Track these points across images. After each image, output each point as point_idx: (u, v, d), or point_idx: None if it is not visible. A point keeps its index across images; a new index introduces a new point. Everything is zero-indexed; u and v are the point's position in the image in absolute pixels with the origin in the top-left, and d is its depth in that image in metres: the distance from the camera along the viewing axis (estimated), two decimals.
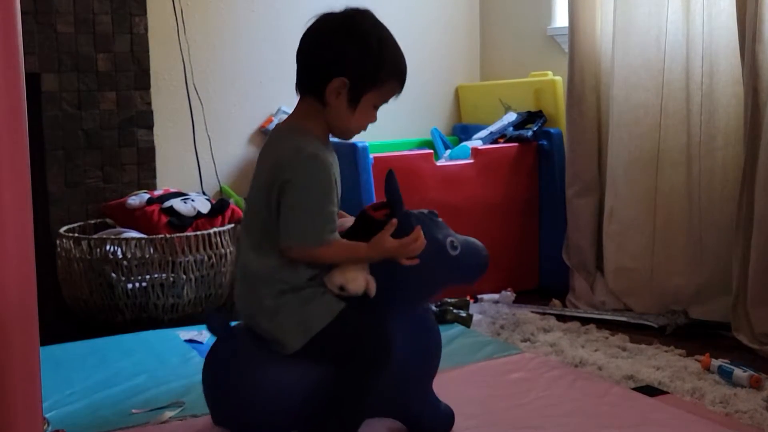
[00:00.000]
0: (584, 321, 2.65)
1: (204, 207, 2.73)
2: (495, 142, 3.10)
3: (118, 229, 2.70)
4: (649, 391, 1.94)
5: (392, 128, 3.37)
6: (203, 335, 2.30)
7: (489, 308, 2.79)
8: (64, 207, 2.82)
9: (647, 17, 2.65)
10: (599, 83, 2.87)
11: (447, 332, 2.31)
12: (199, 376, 1.94)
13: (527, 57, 3.43)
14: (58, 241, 2.65)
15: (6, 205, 1.16)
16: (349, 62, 1.50)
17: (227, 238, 2.69)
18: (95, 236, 2.60)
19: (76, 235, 2.64)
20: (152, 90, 2.94)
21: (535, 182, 3.10)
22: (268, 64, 3.20)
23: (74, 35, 2.78)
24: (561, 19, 3.28)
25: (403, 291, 1.55)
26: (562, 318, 2.69)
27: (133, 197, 2.73)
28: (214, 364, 1.57)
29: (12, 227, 1.16)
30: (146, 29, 2.90)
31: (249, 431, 1.55)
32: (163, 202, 2.70)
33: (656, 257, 2.71)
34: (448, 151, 3.19)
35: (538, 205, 3.12)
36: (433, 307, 2.45)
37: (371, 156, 2.77)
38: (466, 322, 2.47)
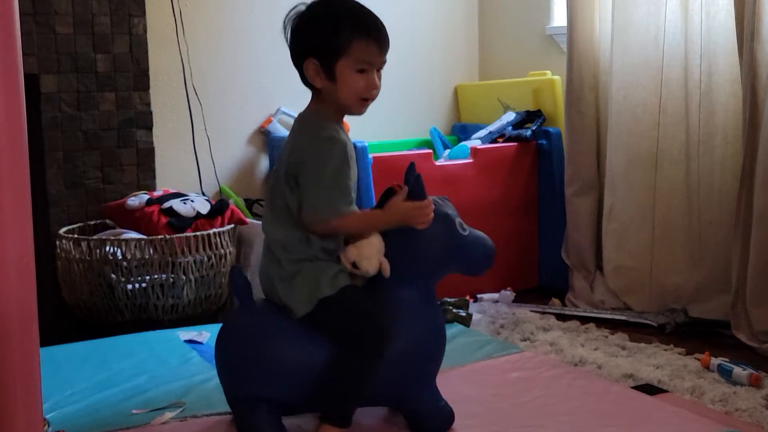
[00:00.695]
0: (584, 320, 2.65)
1: (203, 208, 2.73)
2: (494, 141, 3.10)
3: (118, 230, 2.70)
4: (649, 389, 1.94)
5: (391, 128, 3.38)
6: (203, 335, 2.30)
7: (488, 307, 2.79)
8: (64, 208, 2.82)
9: (646, 16, 2.65)
10: (598, 82, 2.88)
11: (447, 332, 2.31)
12: (199, 377, 1.96)
13: (526, 56, 3.43)
14: (57, 242, 2.65)
15: (6, 207, 1.16)
16: (309, 42, 1.58)
17: (227, 238, 2.69)
18: (95, 237, 2.60)
19: (76, 236, 2.64)
20: (151, 91, 2.93)
21: (534, 181, 3.10)
22: (268, 65, 3.20)
23: (73, 36, 2.78)
24: (560, 18, 3.28)
25: (414, 262, 1.58)
26: (561, 317, 2.70)
27: (133, 198, 2.73)
28: (231, 331, 1.62)
29: (12, 228, 1.17)
30: (145, 30, 2.89)
31: (256, 406, 1.57)
32: (162, 203, 2.70)
33: (655, 256, 2.71)
34: (447, 151, 3.19)
35: (537, 205, 3.13)
36: None
37: (370, 156, 2.78)
38: (466, 321, 2.47)
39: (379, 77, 1.61)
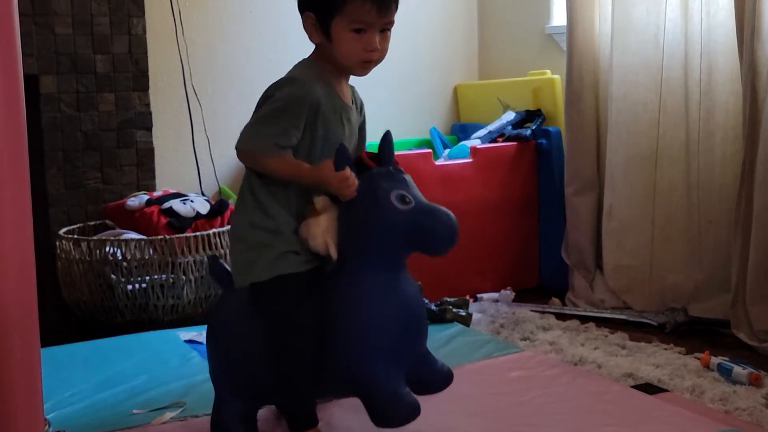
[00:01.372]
0: (583, 319, 2.65)
1: (203, 208, 2.73)
2: (494, 141, 3.10)
3: (118, 230, 2.70)
4: (649, 388, 1.94)
5: (391, 128, 3.35)
6: (203, 336, 2.30)
7: (488, 307, 2.79)
8: (64, 209, 2.82)
9: (645, 15, 2.65)
10: (598, 81, 2.87)
11: (446, 331, 2.31)
12: (200, 376, 1.96)
13: (525, 56, 3.43)
14: (57, 243, 2.65)
15: (5, 207, 1.16)
16: None
17: (226, 238, 2.69)
18: (95, 238, 2.61)
19: (76, 236, 2.64)
20: (151, 91, 2.93)
21: (534, 181, 3.10)
22: (267, 65, 3.20)
23: (72, 37, 2.78)
24: (559, 17, 3.28)
25: (354, 242, 1.49)
26: (561, 316, 2.70)
27: (133, 198, 2.73)
28: (210, 319, 1.63)
29: (12, 229, 1.17)
30: (144, 30, 2.89)
31: (232, 390, 1.58)
32: (162, 203, 2.70)
33: (655, 255, 2.71)
34: (447, 151, 3.19)
35: (537, 204, 3.12)
36: (433, 307, 2.45)
37: None
38: (466, 321, 2.47)
39: (386, 39, 1.52)
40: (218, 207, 2.76)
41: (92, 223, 2.83)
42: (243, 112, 3.19)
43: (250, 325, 1.54)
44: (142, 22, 2.89)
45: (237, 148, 1.51)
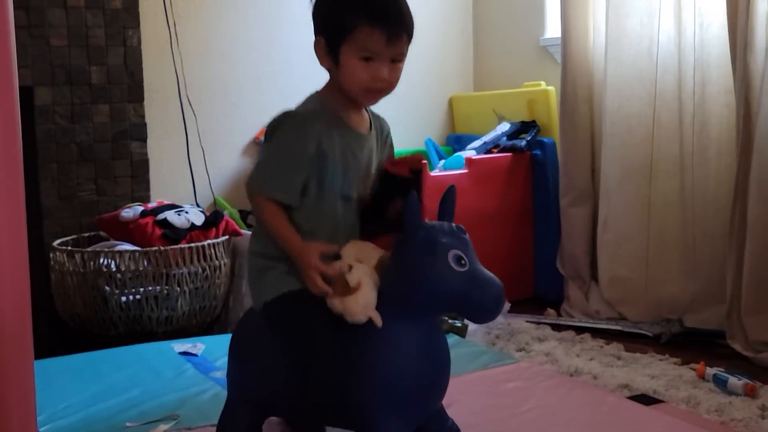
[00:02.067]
0: (579, 330, 2.65)
1: (198, 219, 2.73)
2: (489, 152, 3.11)
3: (112, 241, 2.69)
4: (645, 399, 1.94)
5: None
6: (198, 347, 2.30)
7: None
8: (58, 220, 2.82)
9: (639, 28, 2.66)
10: (592, 93, 2.88)
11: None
12: (194, 389, 1.95)
13: (520, 67, 3.44)
14: (51, 255, 2.64)
15: (0, 219, 1.16)
16: (318, 19, 1.50)
17: (221, 250, 2.68)
18: (89, 249, 2.60)
19: (70, 248, 2.63)
20: (146, 102, 2.93)
21: (529, 192, 3.11)
22: (262, 76, 3.20)
23: (67, 48, 2.78)
24: (553, 29, 3.30)
25: (396, 290, 1.41)
26: (557, 327, 2.69)
27: (127, 210, 2.73)
28: (235, 332, 1.61)
29: (6, 240, 1.16)
30: (139, 42, 2.90)
31: (235, 405, 1.57)
32: (156, 215, 2.69)
33: (650, 266, 2.71)
34: (442, 162, 3.19)
35: (532, 215, 3.13)
36: None
37: None
38: (462, 332, 2.47)
39: (396, 69, 1.46)
40: (213, 218, 2.75)
41: (86, 235, 2.82)
42: (238, 124, 3.24)
43: (265, 338, 1.53)
44: (137, 34, 2.89)
45: (246, 184, 1.52)
